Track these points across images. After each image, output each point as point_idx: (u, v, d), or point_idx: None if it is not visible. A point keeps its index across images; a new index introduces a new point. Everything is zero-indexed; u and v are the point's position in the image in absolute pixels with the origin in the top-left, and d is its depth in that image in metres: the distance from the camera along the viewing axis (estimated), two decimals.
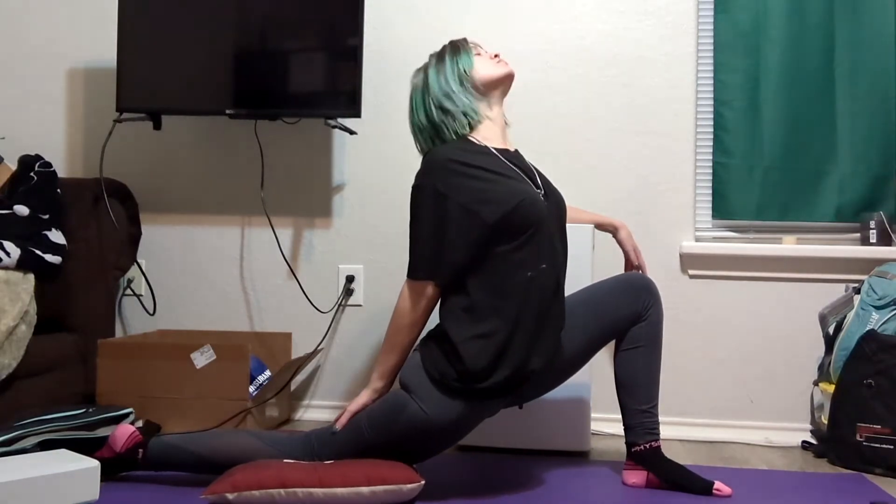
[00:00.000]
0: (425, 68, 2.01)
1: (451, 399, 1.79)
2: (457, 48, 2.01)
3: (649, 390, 1.98)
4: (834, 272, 2.65)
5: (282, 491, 1.69)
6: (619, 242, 2.20)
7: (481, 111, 1.96)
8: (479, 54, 2.01)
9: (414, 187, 1.87)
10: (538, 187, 1.92)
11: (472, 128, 1.94)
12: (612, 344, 2.03)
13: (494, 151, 1.90)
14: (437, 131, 1.94)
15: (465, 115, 1.93)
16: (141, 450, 1.92)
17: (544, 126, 2.77)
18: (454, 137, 1.92)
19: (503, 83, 2.01)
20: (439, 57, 2.00)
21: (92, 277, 2.63)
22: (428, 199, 1.83)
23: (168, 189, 2.93)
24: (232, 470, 1.76)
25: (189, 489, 1.89)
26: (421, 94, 1.98)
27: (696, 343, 2.71)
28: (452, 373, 1.78)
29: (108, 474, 1.92)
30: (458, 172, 1.82)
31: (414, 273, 1.85)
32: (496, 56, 2.02)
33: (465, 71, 1.96)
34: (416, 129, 1.99)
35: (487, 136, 1.95)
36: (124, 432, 1.95)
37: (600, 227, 2.26)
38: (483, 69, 1.97)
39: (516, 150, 2.00)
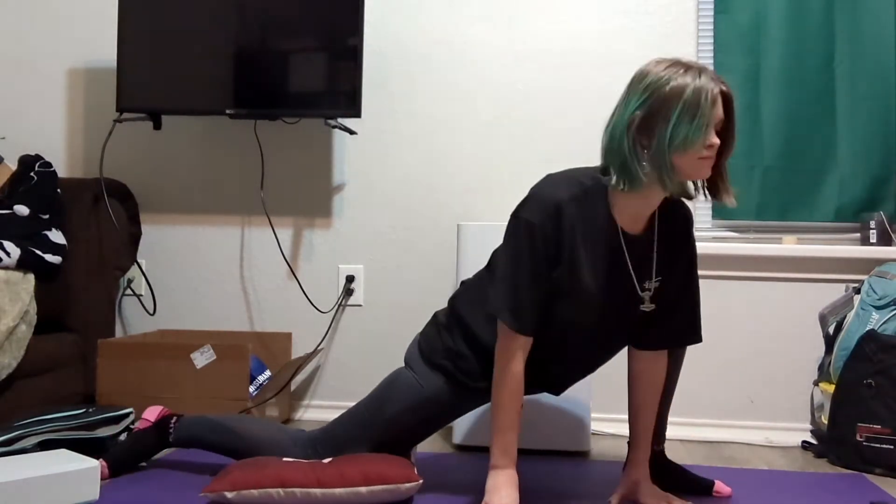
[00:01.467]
0: (662, 81, 1.59)
1: (433, 373, 1.86)
2: (700, 109, 1.57)
3: (666, 394, 1.93)
4: (834, 272, 2.65)
5: (280, 490, 1.69)
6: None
7: (651, 185, 1.64)
8: (710, 147, 1.61)
9: (518, 218, 1.68)
10: (643, 290, 1.74)
11: (631, 188, 1.65)
12: None
13: (619, 232, 1.70)
14: (613, 151, 1.66)
15: (633, 178, 1.62)
16: (174, 419, 2.03)
17: (545, 126, 2.77)
18: (612, 185, 1.66)
19: (678, 192, 1.69)
20: (686, 92, 1.57)
21: (92, 277, 2.63)
22: (538, 241, 1.66)
23: (168, 189, 2.93)
24: (231, 468, 1.77)
25: (189, 489, 1.89)
26: (631, 107, 1.64)
27: None
28: (439, 349, 1.86)
29: (139, 457, 2.02)
30: (556, 226, 1.66)
31: (520, 325, 1.68)
32: (713, 145, 1.62)
33: (686, 145, 1.58)
34: (607, 127, 1.71)
35: (628, 207, 1.69)
36: (154, 409, 2.07)
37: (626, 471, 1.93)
38: (692, 166, 1.62)
39: (646, 233, 1.74)
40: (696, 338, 1.85)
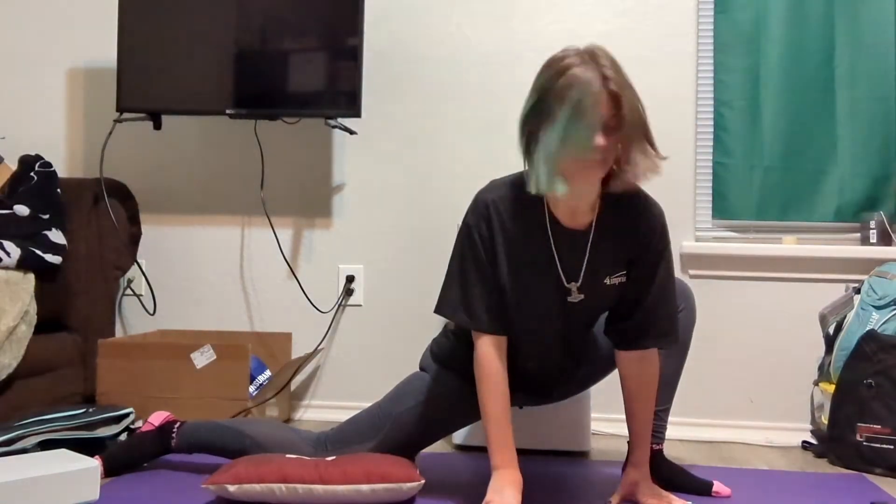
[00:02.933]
0: (551, 80, 1.60)
1: (446, 371, 1.92)
2: (582, 109, 1.55)
3: (665, 393, 1.94)
4: (834, 272, 2.65)
5: (282, 486, 1.69)
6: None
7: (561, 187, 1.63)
8: (597, 148, 1.57)
9: (462, 222, 1.76)
10: (572, 280, 1.75)
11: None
12: None
13: (546, 225, 1.72)
14: (523, 153, 1.70)
15: (537, 181, 1.64)
16: (178, 424, 2.02)
17: None
18: (527, 181, 1.68)
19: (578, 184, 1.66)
20: (570, 96, 1.56)
21: (92, 277, 2.63)
22: (475, 241, 1.73)
23: (168, 189, 2.93)
24: (234, 462, 1.79)
25: (189, 489, 1.88)
26: (526, 106, 1.68)
27: (696, 343, 2.68)
28: (447, 352, 1.92)
29: (145, 457, 2.01)
30: (488, 226, 1.72)
31: (476, 322, 1.74)
32: (598, 147, 1.58)
33: (575, 150, 1.58)
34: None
35: (559, 201, 1.70)
36: (160, 414, 2.06)
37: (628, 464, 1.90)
38: (580, 170, 1.61)
39: (587, 227, 1.73)
40: (655, 342, 1.80)
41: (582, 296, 1.76)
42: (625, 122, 1.60)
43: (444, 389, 1.91)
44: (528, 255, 1.73)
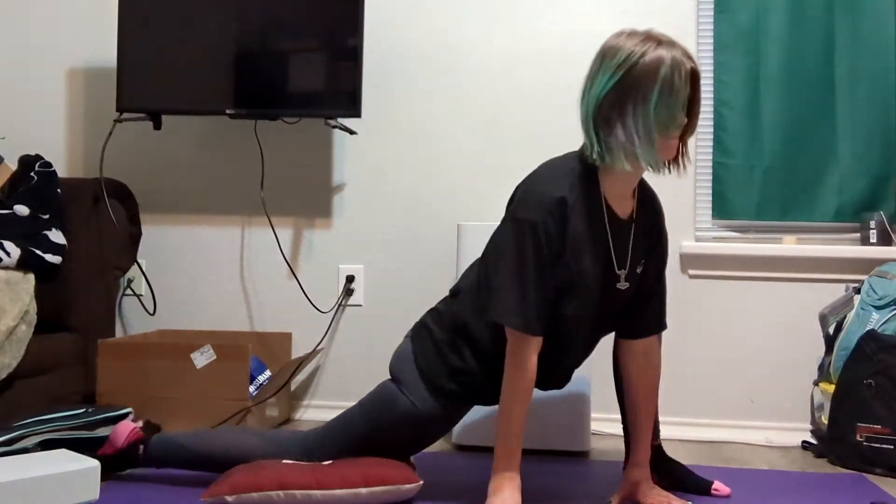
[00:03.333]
0: (634, 57, 1.59)
1: (436, 398, 1.80)
2: (675, 88, 1.58)
3: None
4: (834, 272, 2.65)
5: (280, 493, 1.69)
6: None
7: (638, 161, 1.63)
8: (680, 126, 1.64)
9: (519, 220, 1.66)
10: (622, 267, 1.75)
11: (604, 162, 1.66)
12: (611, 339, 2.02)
13: (605, 214, 1.71)
14: (585, 127, 1.67)
15: (602, 155, 1.65)
16: (142, 446, 1.93)
17: (545, 126, 2.77)
18: (590, 158, 1.67)
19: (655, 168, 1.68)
20: (662, 71, 1.57)
21: (92, 277, 2.63)
22: (541, 239, 1.64)
23: (168, 189, 2.93)
24: (231, 471, 1.77)
25: (189, 490, 1.88)
26: (602, 83, 1.62)
27: (696, 343, 2.71)
28: (444, 372, 1.80)
29: (109, 471, 1.92)
30: (557, 222, 1.65)
31: (531, 326, 1.65)
32: (681, 123, 1.64)
33: (666, 127, 1.61)
34: (581, 101, 1.68)
35: (614, 187, 1.71)
36: (125, 429, 1.95)
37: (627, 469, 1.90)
38: (664, 147, 1.64)
39: (630, 216, 1.76)
40: (659, 327, 1.87)
41: (627, 284, 1.77)
42: (698, 104, 1.68)
43: (435, 413, 1.80)
44: (589, 246, 1.69)
